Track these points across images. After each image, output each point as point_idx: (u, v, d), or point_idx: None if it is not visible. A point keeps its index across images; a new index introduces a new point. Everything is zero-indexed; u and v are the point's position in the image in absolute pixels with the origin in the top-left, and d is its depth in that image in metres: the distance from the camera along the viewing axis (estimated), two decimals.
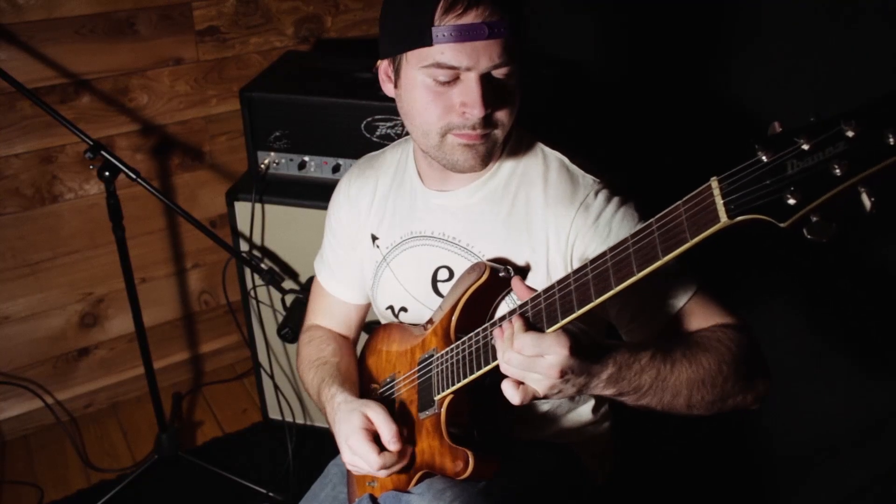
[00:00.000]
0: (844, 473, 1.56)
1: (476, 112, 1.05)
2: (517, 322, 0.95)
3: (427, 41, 1.03)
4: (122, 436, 2.36)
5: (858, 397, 1.53)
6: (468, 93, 1.05)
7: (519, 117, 1.17)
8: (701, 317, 1.09)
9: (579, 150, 1.21)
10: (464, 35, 1.01)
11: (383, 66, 1.15)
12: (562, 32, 2.05)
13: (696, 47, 1.72)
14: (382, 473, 1.15)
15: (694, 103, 1.76)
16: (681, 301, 1.09)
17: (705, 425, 1.85)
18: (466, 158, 1.11)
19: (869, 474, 1.51)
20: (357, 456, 1.15)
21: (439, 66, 1.04)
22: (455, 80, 1.06)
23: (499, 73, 1.06)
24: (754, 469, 1.76)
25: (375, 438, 1.15)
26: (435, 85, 1.07)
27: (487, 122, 1.08)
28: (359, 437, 1.14)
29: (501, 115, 1.10)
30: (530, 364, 0.92)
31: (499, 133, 1.11)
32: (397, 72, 1.12)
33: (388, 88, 1.16)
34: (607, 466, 1.40)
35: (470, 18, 1.01)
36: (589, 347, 0.93)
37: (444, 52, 1.03)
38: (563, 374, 0.90)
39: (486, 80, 1.05)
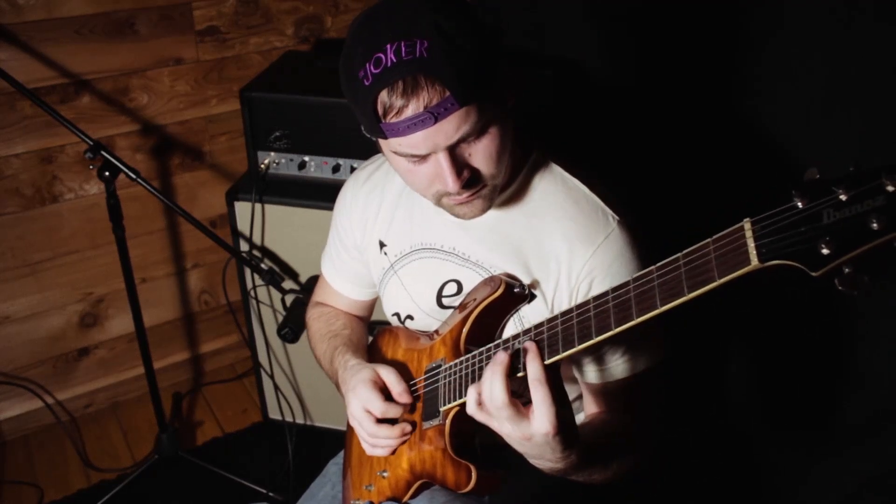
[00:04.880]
0: (844, 473, 1.56)
1: (450, 187, 1.03)
2: (498, 380, 0.92)
3: (381, 135, 1.01)
4: (122, 436, 2.36)
5: (858, 397, 1.53)
6: (438, 169, 1.03)
7: (537, 137, 1.15)
8: (642, 395, 1.15)
9: (589, 164, 1.20)
10: (411, 128, 0.97)
11: None
12: (568, 34, 2.05)
13: (698, 52, 1.72)
14: (381, 433, 1.16)
15: (696, 112, 1.75)
16: (642, 365, 1.13)
17: (707, 431, 1.85)
18: (465, 212, 1.12)
19: (869, 474, 1.51)
20: (361, 401, 1.16)
21: (402, 154, 1.03)
22: (425, 157, 1.03)
23: (467, 140, 1.01)
24: (755, 473, 1.76)
25: (384, 394, 1.17)
26: (409, 164, 1.05)
27: (471, 183, 1.06)
28: (366, 386, 1.16)
29: (486, 171, 1.06)
30: (507, 418, 0.92)
31: (492, 182, 1.09)
32: (377, 142, 1.10)
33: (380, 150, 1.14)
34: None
35: (411, 111, 0.95)
36: (565, 440, 0.92)
37: (401, 143, 1.00)
38: (527, 439, 0.91)
39: (454, 152, 1.02)
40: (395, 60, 0.94)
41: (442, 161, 1.01)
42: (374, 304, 1.49)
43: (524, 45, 2.10)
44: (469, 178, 1.05)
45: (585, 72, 1.98)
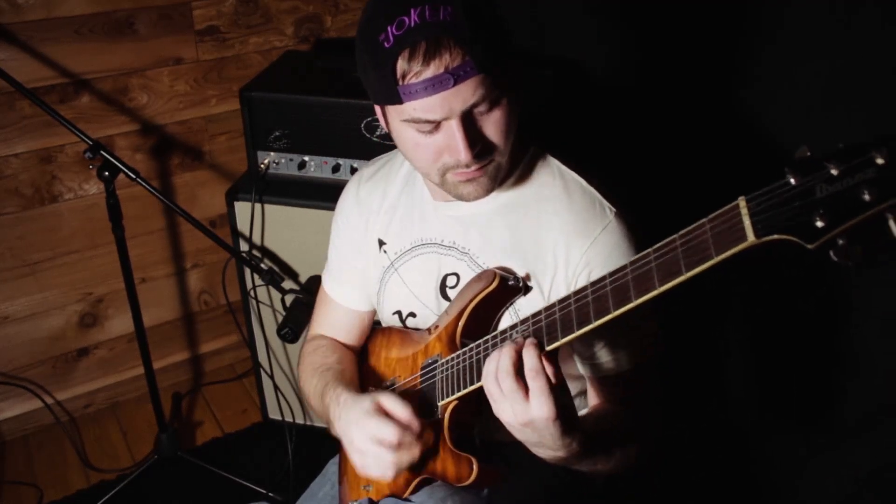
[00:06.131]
0: (843, 474, 1.56)
1: (462, 157, 1.04)
2: (510, 355, 0.94)
3: (396, 100, 1.01)
4: (122, 436, 2.36)
5: (856, 392, 1.53)
6: (450, 138, 1.04)
7: (535, 132, 1.16)
8: (642, 387, 1.16)
9: (589, 163, 1.20)
10: (429, 90, 0.98)
11: (376, 108, 1.14)
12: (568, 34, 2.05)
13: (698, 51, 1.72)
14: (405, 458, 1.07)
15: (697, 111, 1.76)
16: (642, 357, 1.14)
17: (705, 426, 1.85)
18: (470, 191, 1.12)
19: (867, 469, 1.52)
20: (369, 433, 1.07)
21: (416, 120, 1.03)
22: (437, 126, 1.04)
23: (480, 108, 1.03)
24: (753, 468, 1.76)
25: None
26: (419, 135, 1.06)
27: (482, 155, 1.07)
28: (373, 416, 1.08)
29: (496, 143, 1.07)
30: (510, 399, 0.93)
31: (500, 158, 1.10)
32: (385, 117, 1.11)
33: (384, 125, 1.15)
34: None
35: (431, 72, 0.97)
36: (565, 425, 0.93)
37: (416, 108, 1.01)
38: (527, 425, 0.93)
39: (467, 120, 1.03)
40: (418, 22, 0.96)
41: (455, 129, 1.02)
42: (370, 325, 1.45)
43: (524, 45, 2.10)
44: (480, 151, 1.06)
45: (585, 72, 1.98)
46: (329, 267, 1.44)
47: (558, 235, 1.14)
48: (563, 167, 1.19)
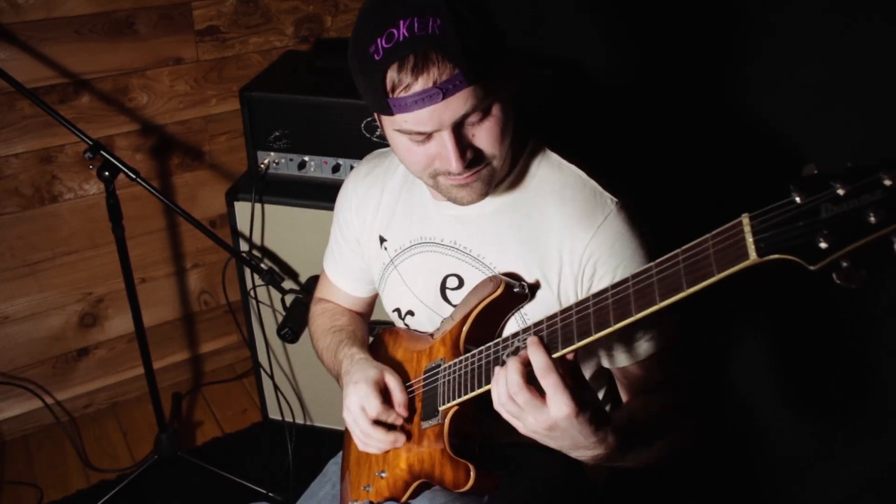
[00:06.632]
0: (844, 474, 1.56)
1: (453, 167, 1.04)
2: (516, 370, 0.93)
3: (387, 111, 1.01)
4: (122, 436, 2.36)
5: (858, 397, 1.53)
6: (442, 149, 1.04)
7: (534, 128, 1.16)
8: (666, 373, 1.16)
9: (591, 160, 1.20)
10: (419, 104, 0.97)
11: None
12: (568, 34, 2.05)
13: (697, 50, 1.72)
14: (375, 435, 1.17)
15: (696, 109, 1.76)
16: (661, 345, 1.14)
17: (704, 426, 1.85)
18: (463, 196, 1.11)
19: (868, 475, 1.51)
20: (359, 398, 1.17)
21: (406, 132, 1.03)
22: (429, 136, 1.04)
23: (471, 119, 1.02)
24: (754, 469, 1.76)
25: (384, 397, 1.18)
26: (411, 144, 1.06)
27: (475, 163, 1.07)
28: (368, 384, 1.18)
29: (489, 151, 1.07)
30: (529, 410, 0.92)
31: (494, 163, 1.09)
32: (380, 120, 1.11)
33: (380, 127, 1.15)
34: (607, 467, 1.39)
35: (420, 86, 0.97)
36: (592, 420, 0.92)
37: (406, 120, 1.01)
38: (552, 429, 0.91)
39: (458, 130, 1.03)
40: (407, 35, 0.95)
41: (446, 140, 1.02)
42: (374, 301, 1.50)
43: (524, 44, 2.10)
44: (472, 159, 1.06)
45: (585, 72, 1.98)
46: (332, 254, 1.46)
47: (561, 229, 1.14)
48: (563, 161, 1.19)
